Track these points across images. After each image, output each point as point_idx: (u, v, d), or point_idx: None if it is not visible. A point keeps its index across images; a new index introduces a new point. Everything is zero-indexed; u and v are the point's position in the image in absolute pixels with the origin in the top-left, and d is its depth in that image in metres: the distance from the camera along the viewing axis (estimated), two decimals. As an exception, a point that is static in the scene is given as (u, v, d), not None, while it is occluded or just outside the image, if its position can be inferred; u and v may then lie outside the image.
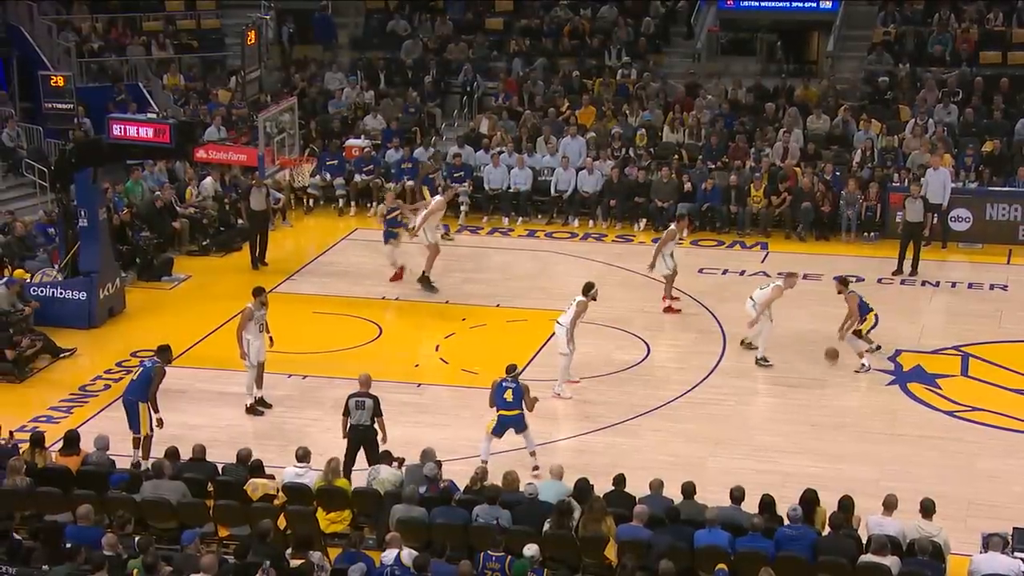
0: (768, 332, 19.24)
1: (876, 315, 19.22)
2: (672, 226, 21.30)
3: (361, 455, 15.60)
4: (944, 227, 24.17)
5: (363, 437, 15.51)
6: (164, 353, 16.86)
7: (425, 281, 22.00)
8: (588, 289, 18.51)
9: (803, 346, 19.88)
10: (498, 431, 16.08)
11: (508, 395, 16.07)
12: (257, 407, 18.03)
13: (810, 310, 21.30)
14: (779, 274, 20.20)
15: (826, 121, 27.44)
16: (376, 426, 15.56)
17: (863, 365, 18.95)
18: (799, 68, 30.68)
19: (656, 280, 21.60)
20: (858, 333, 19.07)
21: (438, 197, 22.67)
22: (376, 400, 15.57)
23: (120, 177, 25.18)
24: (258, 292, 18.23)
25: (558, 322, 18.39)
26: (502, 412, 16.04)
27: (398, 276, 22.60)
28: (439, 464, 14.55)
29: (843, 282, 19.32)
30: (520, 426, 16.10)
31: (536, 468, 15.85)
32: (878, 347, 19.41)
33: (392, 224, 22.66)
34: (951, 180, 24.33)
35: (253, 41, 25.35)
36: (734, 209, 25.41)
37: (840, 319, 19.25)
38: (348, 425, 15.62)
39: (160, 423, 16.28)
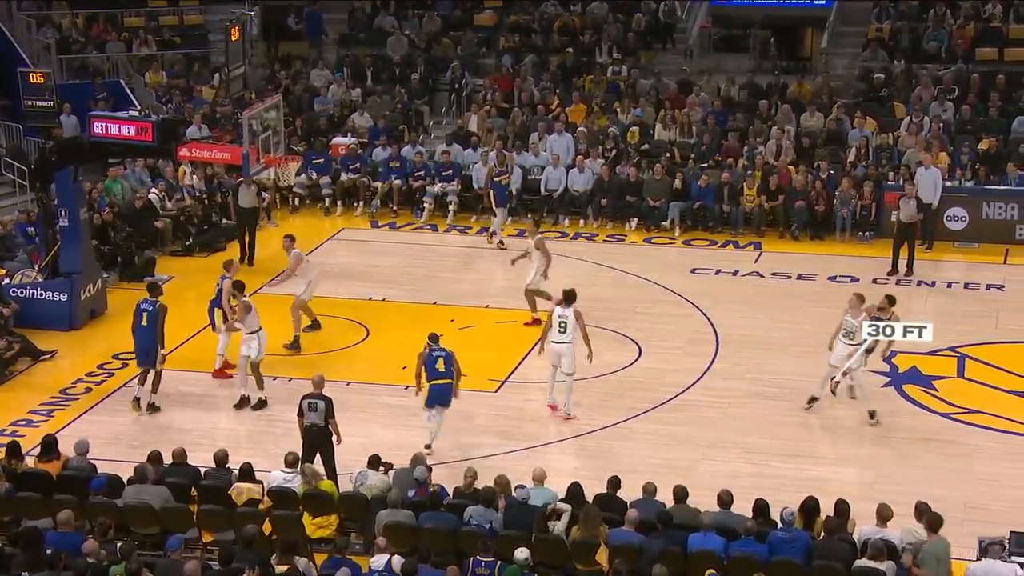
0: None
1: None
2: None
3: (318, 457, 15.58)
4: (932, 227, 24.14)
5: (317, 438, 15.55)
6: (155, 290, 18.32)
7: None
8: (573, 298, 17.96)
9: (797, 348, 19.91)
10: (431, 403, 16.44)
11: (440, 364, 16.45)
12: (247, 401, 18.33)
13: (805, 312, 21.35)
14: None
15: (820, 118, 27.49)
16: (330, 427, 15.60)
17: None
18: (793, 65, 30.72)
19: (647, 282, 21.61)
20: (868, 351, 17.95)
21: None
22: (329, 401, 15.63)
23: (98, 176, 25.11)
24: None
25: (562, 342, 17.58)
26: (435, 382, 16.42)
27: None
28: (429, 468, 14.55)
29: (891, 302, 18.04)
30: (448, 399, 16.52)
31: (429, 447, 16.36)
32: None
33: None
34: (943, 179, 24.38)
35: (237, 37, 25.33)
36: (727, 208, 25.44)
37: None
38: (303, 426, 15.64)
39: (163, 359, 17.94)
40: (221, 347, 19.01)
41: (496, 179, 24.90)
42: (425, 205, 26.38)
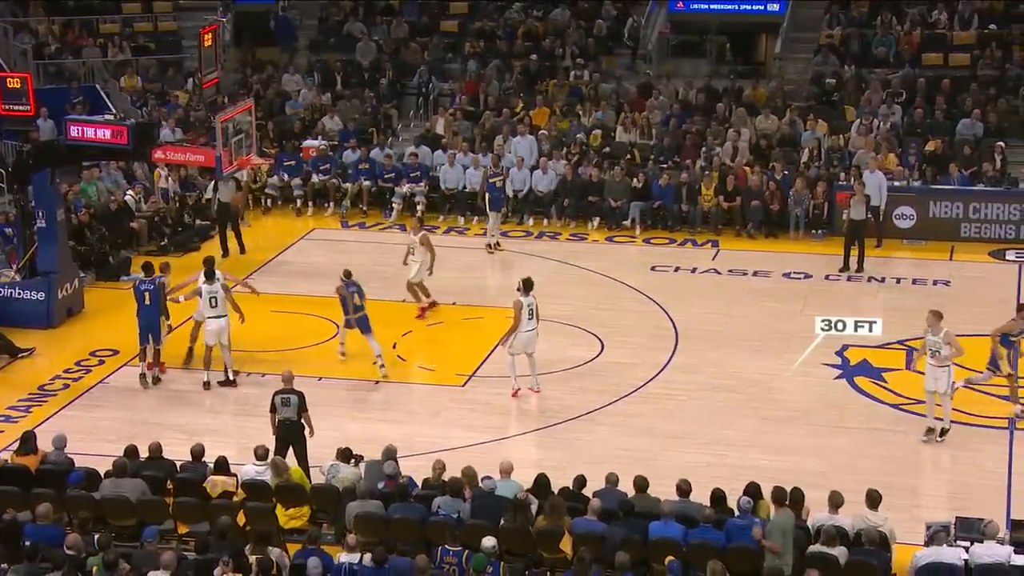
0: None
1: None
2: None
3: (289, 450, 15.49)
4: (879, 226, 24.26)
5: (290, 432, 15.49)
6: (149, 269, 18.74)
7: None
8: (532, 285, 18.26)
9: (754, 342, 20.00)
10: (349, 324, 18.81)
11: (356, 299, 18.65)
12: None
13: (760, 307, 21.46)
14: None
15: (774, 121, 27.60)
16: (303, 421, 15.54)
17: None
18: (748, 69, 30.83)
19: (609, 279, 21.64)
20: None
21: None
22: (301, 396, 15.58)
23: (74, 178, 24.90)
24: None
25: (533, 329, 18.04)
26: (351, 316, 18.71)
27: None
28: (397, 462, 14.50)
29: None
30: (366, 326, 18.55)
31: (378, 361, 18.41)
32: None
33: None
34: (887, 181, 24.50)
35: (210, 43, 25.15)
36: (685, 208, 25.51)
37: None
38: (276, 421, 15.57)
39: (170, 329, 18.83)
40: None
41: (491, 180, 24.78)
42: (394, 205, 26.32)
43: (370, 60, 31.18)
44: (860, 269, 23.10)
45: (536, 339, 18.09)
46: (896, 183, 24.98)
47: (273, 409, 15.59)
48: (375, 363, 18.75)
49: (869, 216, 23.51)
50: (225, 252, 23.81)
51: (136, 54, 31.52)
